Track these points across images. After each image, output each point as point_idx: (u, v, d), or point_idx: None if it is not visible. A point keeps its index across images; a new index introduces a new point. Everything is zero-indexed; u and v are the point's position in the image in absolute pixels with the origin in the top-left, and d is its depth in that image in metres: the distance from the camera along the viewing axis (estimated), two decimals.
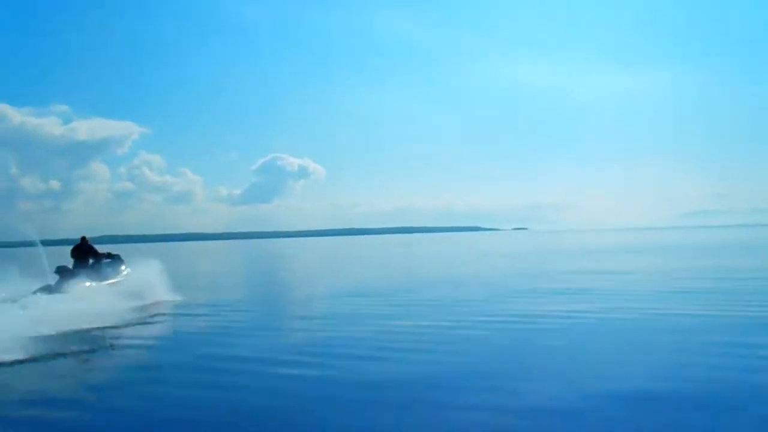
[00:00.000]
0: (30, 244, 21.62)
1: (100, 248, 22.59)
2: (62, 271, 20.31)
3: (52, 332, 14.01)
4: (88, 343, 13.20)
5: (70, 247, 21.50)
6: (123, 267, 22.35)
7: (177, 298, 21.02)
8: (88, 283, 19.89)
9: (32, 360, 11.36)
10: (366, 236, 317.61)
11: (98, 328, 15.01)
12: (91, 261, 21.28)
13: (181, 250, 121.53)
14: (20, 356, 11.45)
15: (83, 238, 21.51)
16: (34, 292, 18.59)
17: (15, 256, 25.14)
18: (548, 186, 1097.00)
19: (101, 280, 20.71)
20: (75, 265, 20.92)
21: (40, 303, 17.10)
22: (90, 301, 18.07)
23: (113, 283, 20.89)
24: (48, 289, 18.96)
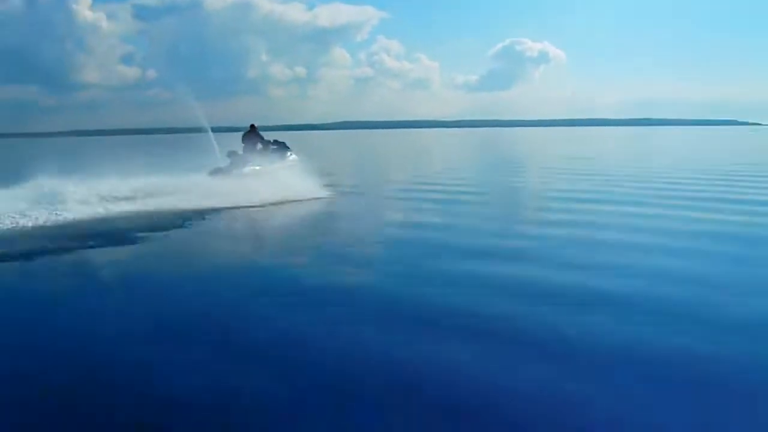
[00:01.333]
0: (202, 129, 23.88)
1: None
2: (233, 155, 22.35)
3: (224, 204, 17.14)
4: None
5: (241, 134, 23.19)
6: (289, 153, 24.22)
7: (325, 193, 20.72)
8: (256, 167, 21.71)
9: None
10: (607, 127, 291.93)
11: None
12: (259, 146, 23.08)
13: (415, 138, 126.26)
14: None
15: (252, 126, 23.37)
16: (210, 173, 21.04)
17: (190, 140, 25.83)
18: None
19: (267, 164, 22.33)
20: (244, 150, 22.78)
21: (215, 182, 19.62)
22: (256, 182, 19.87)
23: (278, 167, 22.44)
24: (220, 171, 21.16)
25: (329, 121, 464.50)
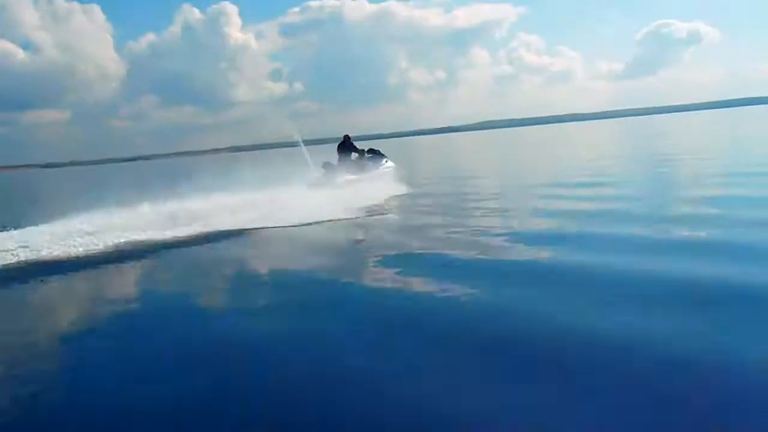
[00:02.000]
0: (294, 144, 24.24)
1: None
2: (327, 166, 22.52)
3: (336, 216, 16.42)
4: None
5: (335, 145, 23.69)
6: (385, 161, 24.54)
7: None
8: (350, 176, 21.94)
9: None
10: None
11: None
12: (354, 156, 23.49)
13: (559, 133, 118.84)
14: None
15: (346, 136, 23.85)
16: (309, 185, 20.86)
17: (285, 154, 25.63)
18: None
19: (362, 173, 22.60)
20: (339, 161, 23.12)
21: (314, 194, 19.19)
22: (351, 192, 19.67)
23: (373, 175, 22.69)
24: (317, 183, 21.20)
25: (470, 122, 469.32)
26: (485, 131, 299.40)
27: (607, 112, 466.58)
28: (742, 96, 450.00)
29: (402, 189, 21.98)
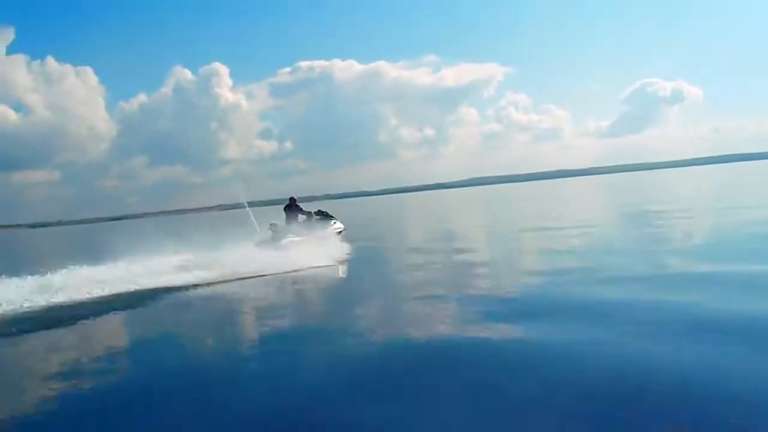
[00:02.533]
0: (240, 206, 25.16)
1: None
2: (274, 227, 22.91)
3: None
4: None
5: (282, 206, 24.15)
6: (333, 222, 25.28)
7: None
8: (295, 238, 22.38)
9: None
10: (748, 162, 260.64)
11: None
12: (303, 217, 24.06)
13: (546, 188, 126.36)
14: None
15: (291, 199, 24.32)
16: (256, 244, 21.66)
17: (233, 216, 26.69)
18: None
19: (308, 235, 23.04)
20: (286, 222, 23.60)
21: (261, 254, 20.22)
22: (297, 253, 20.32)
23: (319, 237, 23.31)
24: (263, 243, 21.84)
25: (459, 178, 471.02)
26: (474, 187, 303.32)
27: (594, 168, 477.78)
28: (726, 152, 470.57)
29: (345, 250, 22.94)
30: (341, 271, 18.99)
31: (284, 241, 21.96)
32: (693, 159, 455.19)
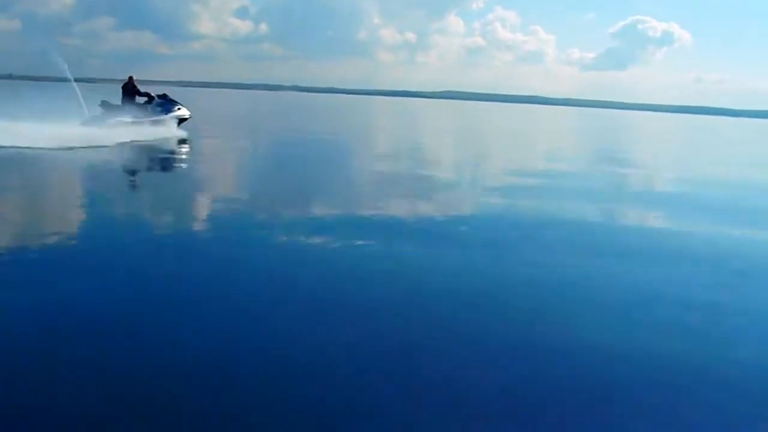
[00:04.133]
0: (65, 80, 23.10)
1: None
2: (105, 105, 22.00)
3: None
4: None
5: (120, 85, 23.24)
6: (176, 108, 24.00)
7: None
8: (126, 119, 21.55)
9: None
10: (724, 117, 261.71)
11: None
12: (142, 100, 23.11)
13: (522, 114, 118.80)
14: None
15: (130, 78, 23.04)
16: (82, 123, 20.89)
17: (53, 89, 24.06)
18: None
19: (144, 118, 22.24)
20: (122, 102, 22.62)
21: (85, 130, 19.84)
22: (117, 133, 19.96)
23: (155, 120, 22.57)
24: (90, 122, 21.01)
25: (436, 89, 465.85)
26: (446, 100, 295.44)
27: (571, 99, 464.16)
28: (705, 104, 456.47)
29: (177, 135, 23.12)
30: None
31: (111, 121, 21.13)
32: (671, 105, 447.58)
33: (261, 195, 13.92)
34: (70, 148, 18.11)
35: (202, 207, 12.11)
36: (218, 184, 15.62)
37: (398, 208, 12.45)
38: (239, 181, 16.81)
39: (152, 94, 23.44)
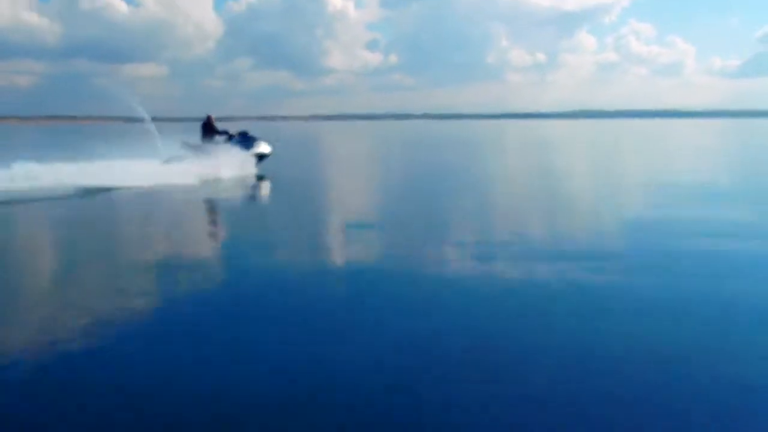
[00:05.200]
0: (140, 120, 24.17)
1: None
2: (186, 145, 22.83)
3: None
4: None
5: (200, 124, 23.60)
6: (257, 144, 23.88)
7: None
8: (204, 157, 21.97)
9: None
10: None
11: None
12: (222, 138, 23.33)
13: (666, 128, 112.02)
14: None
15: (208, 117, 23.30)
16: (164, 161, 21.86)
17: (132, 131, 25.72)
18: None
19: (221, 157, 22.23)
20: (202, 141, 23.11)
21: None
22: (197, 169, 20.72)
23: (233, 158, 22.46)
24: (171, 160, 21.87)
25: (566, 109, 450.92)
26: (579, 120, 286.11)
27: (715, 110, 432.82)
28: None
29: (254, 172, 23.07)
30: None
31: (190, 159, 21.77)
32: None
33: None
34: (153, 187, 19.09)
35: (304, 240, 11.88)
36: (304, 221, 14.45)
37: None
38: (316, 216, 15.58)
39: (231, 132, 23.58)
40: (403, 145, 58.07)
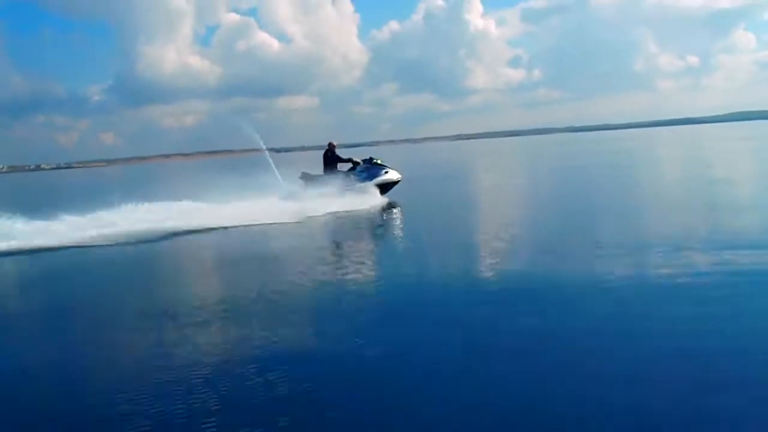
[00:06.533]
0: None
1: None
2: (306, 177, 21.67)
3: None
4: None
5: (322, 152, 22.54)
6: (384, 171, 21.95)
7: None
8: (324, 190, 20.56)
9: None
10: None
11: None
12: (346, 167, 21.82)
13: None
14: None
15: (330, 144, 22.00)
16: (281, 197, 20.58)
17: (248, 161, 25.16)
18: None
19: (344, 186, 20.88)
20: (325, 171, 21.77)
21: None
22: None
23: (356, 188, 20.99)
24: (288, 196, 20.58)
25: (720, 113, 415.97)
26: (738, 123, 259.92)
27: None
28: None
29: (381, 202, 21.03)
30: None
31: (310, 194, 20.47)
32: None
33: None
34: (272, 224, 17.73)
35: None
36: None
37: None
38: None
39: (356, 160, 21.92)
40: (554, 159, 56.13)
